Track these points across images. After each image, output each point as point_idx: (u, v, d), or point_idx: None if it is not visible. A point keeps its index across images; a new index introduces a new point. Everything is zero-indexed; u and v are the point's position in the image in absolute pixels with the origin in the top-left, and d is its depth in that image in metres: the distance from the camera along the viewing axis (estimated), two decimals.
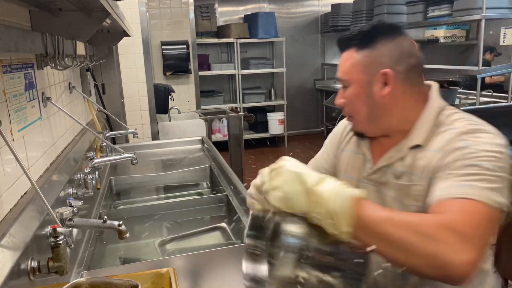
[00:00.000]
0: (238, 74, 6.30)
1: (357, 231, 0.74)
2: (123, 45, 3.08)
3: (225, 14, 6.78)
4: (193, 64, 4.66)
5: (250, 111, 5.98)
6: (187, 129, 3.53)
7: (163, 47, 4.61)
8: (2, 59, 1.11)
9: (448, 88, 4.70)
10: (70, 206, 1.22)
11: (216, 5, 6.62)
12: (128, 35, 2.68)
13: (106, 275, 1.17)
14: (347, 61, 1.06)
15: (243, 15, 6.74)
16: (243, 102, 6.43)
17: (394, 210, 0.86)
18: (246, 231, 0.81)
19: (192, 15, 4.68)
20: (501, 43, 4.63)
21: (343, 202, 0.74)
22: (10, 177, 1.11)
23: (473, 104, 4.31)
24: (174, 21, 4.69)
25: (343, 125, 1.27)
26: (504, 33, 4.50)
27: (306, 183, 0.76)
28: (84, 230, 1.59)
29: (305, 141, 6.89)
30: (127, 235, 1.17)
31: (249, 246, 0.78)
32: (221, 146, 4.04)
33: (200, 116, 3.95)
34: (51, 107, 1.62)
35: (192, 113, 4.37)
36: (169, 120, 3.94)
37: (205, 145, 2.90)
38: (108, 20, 1.73)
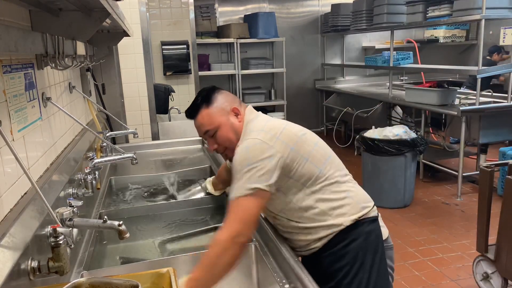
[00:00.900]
0: (238, 74, 6.30)
1: None
2: (123, 45, 3.08)
3: (225, 14, 6.78)
4: (193, 64, 4.66)
5: None
6: (187, 129, 3.53)
7: (163, 47, 4.61)
8: (2, 59, 1.11)
9: (448, 88, 4.71)
10: (70, 206, 1.22)
11: (216, 5, 6.62)
12: (128, 35, 2.68)
13: (106, 275, 1.17)
14: (205, 117, 1.46)
15: (243, 15, 6.74)
16: (243, 102, 6.40)
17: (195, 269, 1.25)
18: None
19: (192, 15, 4.68)
20: (501, 43, 4.62)
21: None
22: (10, 177, 1.11)
23: (473, 104, 4.31)
24: (174, 21, 4.69)
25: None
26: (504, 33, 4.50)
27: None
28: (84, 230, 1.59)
29: None
30: (127, 235, 1.17)
31: None
32: None
33: None
34: (51, 107, 1.62)
35: None
36: (169, 120, 3.94)
37: (205, 145, 2.90)
38: (108, 20, 1.73)
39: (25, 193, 1.20)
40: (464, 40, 7.18)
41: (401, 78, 7.13)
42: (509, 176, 2.42)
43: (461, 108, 4.16)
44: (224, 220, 1.28)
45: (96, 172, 1.82)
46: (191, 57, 4.62)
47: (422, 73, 6.19)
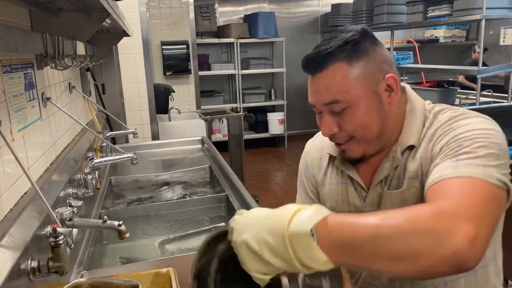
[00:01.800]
0: (238, 74, 6.30)
1: (337, 256, 0.63)
2: (123, 45, 3.07)
3: (225, 14, 6.78)
4: (193, 64, 4.66)
5: (250, 111, 5.98)
6: (187, 129, 3.53)
7: (163, 47, 4.61)
8: (2, 59, 1.11)
9: (448, 88, 4.70)
10: (70, 206, 1.22)
11: (216, 5, 6.62)
12: (128, 35, 2.68)
13: (106, 275, 1.17)
14: (339, 78, 0.88)
15: (243, 15, 6.74)
16: (243, 102, 6.43)
17: (373, 213, 0.67)
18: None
19: (192, 15, 4.68)
20: (501, 43, 4.62)
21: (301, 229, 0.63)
22: (10, 177, 1.11)
23: (473, 104, 4.31)
24: (174, 21, 4.69)
25: (308, 160, 1.13)
26: (504, 33, 4.50)
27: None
28: (84, 230, 1.59)
29: (305, 141, 6.83)
30: (127, 235, 1.17)
31: None
32: (221, 146, 4.04)
33: (200, 116, 3.95)
34: (51, 107, 1.62)
35: (192, 113, 4.37)
36: (169, 120, 3.94)
37: (205, 145, 2.90)
38: (108, 20, 1.73)
39: (25, 193, 1.20)
40: (464, 40, 7.18)
41: (401, 78, 7.09)
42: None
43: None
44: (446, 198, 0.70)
45: (96, 172, 1.81)
46: (191, 57, 4.63)
47: (422, 73, 6.19)
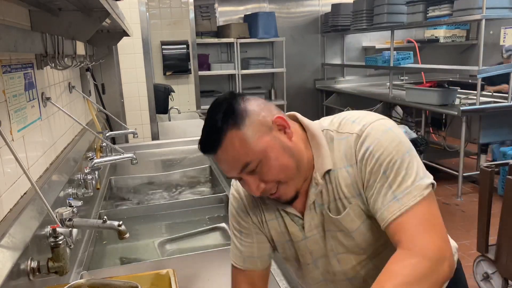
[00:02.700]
0: (238, 74, 6.30)
1: None
2: (123, 45, 3.07)
3: (225, 14, 6.78)
4: (193, 64, 4.66)
5: None
6: (187, 129, 3.53)
7: (163, 47, 4.61)
8: (2, 59, 1.11)
9: (448, 88, 4.70)
10: (70, 206, 1.22)
11: (216, 5, 6.61)
12: (128, 35, 2.68)
13: (106, 275, 1.17)
14: (238, 143, 0.91)
15: (243, 15, 6.73)
16: None
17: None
18: None
19: (192, 15, 4.68)
20: (501, 43, 4.62)
21: None
22: (10, 177, 1.11)
23: (473, 104, 4.30)
24: (174, 21, 4.69)
25: (243, 197, 1.12)
26: (505, 33, 4.50)
27: None
28: (84, 230, 1.59)
29: None
30: (127, 235, 1.17)
31: None
32: None
33: (200, 116, 3.94)
34: (51, 107, 1.62)
35: (192, 113, 4.37)
36: (169, 120, 3.94)
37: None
38: (108, 20, 1.73)
39: (25, 193, 1.20)
40: (464, 40, 7.17)
41: (402, 78, 7.13)
42: (509, 176, 2.42)
43: (461, 108, 4.15)
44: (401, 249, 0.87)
45: (96, 172, 1.81)
46: (191, 57, 4.62)
47: (422, 73, 6.19)
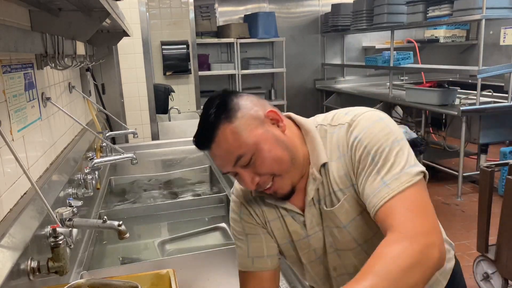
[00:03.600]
0: (238, 74, 6.30)
1: None
2: (123, 45, 3.07)
3: (225, 14, 6.78)
4: (193, 64, 4.66)
5: None
6: (187, 129, 3.53)
7: (163, 47, 4.61)
8: (2, 59, 1.11)
9: (448, 88, 4.70)
10: (70, 206, 1.22)
11: (216, 5, 6.61)
12: (128, 35, 2.68)
13: (106, 275, 1.17)
14: (231, 136, 0.93)
15: (243, 15, 6.73)
16: None
17: (364, 276, 0.78)
18: None
19: (192, 15, 4.68)
20: (501, 43, 4.62)
21: None
22: (10, 177, 1.11)
23: (473, 104, 4.30)
24: (174, 21, 4.69)
25: (243, 202, 1.11)
26: (504, 33, 4.49)
27: None
28: (84, 230, 1.59)
29: None
30: (127, 235, 1.17)
31: None
32: None
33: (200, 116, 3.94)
34: (51, 107, 1.62)
35: (192, 113, 4.36)
36: (169, 120, 3.94)
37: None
38: (108, 20, 1.73)
39: (25, 193, 1.20)
40: (464, 40, 7.16)
41: (401, 78, 7.13)
42: (509, 176, 2.42)
43: (461, 108, 4.15)
44: (391, 229, 0.84)
45: (96, 172, 1.81)
46: (191, 57, 4.62)
47: (422, 73, 6.19)
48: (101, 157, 2.20)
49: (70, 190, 1.56)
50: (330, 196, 0.99)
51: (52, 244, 1.02)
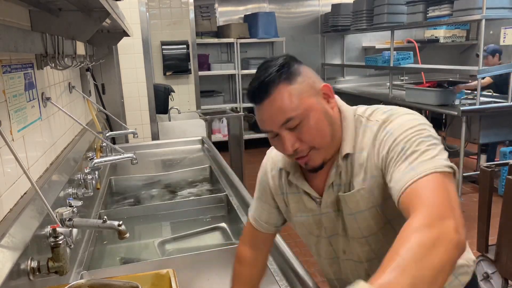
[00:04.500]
0: (238, 74, 6.30)
1: None
2: (123, 45, 3.07)
3: (225, 14, 6.78)
4: (193, 64, 4.66)
5: (250, 111, 5.95)
6: (187, 129, 3.53)
7: (163, 47, 4.61)
8: (2, 59, 1.11)
9: (448, 88, 4.70)
10: (70, 206, 1.22)
11: (216, 5, 6.61)
12: (128, 35, 2.68)
13: (106, 275, 1.17)
14: (287, 96, 0.96)
15: (243, 15, 6.73)
16: (243, 102, 6.43)
17: (390, 262, 0.74)
18: None
19: (192, 15, 4.68)
20: (501, 43, 4.62)
21: None
22: (10, 177, 1.11)
23: (473, 104, 4.30)
24: (174, 21, 4.69)
25: (269, 170, 1.20)
26: (504, 33, 4.49)
27: None
28: (84, 230, 1.59)
29: None
30: (127, 235, 1.17)
31: None
32: (221, 146, 4.04)
33: (200, 116, 3.95)
34: (51, 107, 1.62)
35: (192, 113, 4.37)
36: (169, 120, 3.94)
37: (205, 145, 2.90)
38: (108, 20, 1.73)
39: (25, 193, 1.20)
40: (464, 40, 7.17)
41: (401, 78, 7.13)
42: (509, 176, 2.42)
43: (461, 108, 4.15)
44: (416, 208, 0.81)
45: (96, 172, 1.81)
46: (191, 57, 4.63)
47: (422, 73, 6.19)
48: (101, 157, 2.20)
49: (70, 190, 1.56)
50: (349, 185, 1.03)
51: (52, 244, 1.02)
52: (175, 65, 4.60)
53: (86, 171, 1.73)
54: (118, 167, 2.53)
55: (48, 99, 1.55)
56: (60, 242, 1.02)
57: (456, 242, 0.76)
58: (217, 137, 6.08)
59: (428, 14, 4.73)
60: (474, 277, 1.15)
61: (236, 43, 6.16)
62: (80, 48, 2.14)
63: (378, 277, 0.70)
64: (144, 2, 3.26)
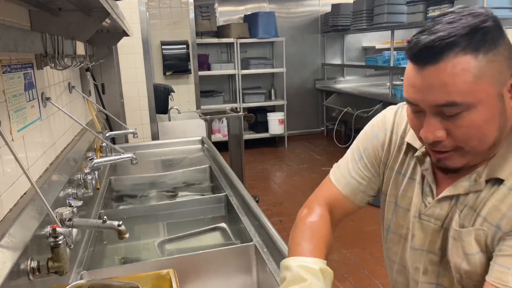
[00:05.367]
0: (238, 74, 6.30)
1: None
2: (123, 45, 3.07)
3: (225, 14, 6.78)
4: (193, 64, 4.66)
5: (250, 111, 5.97)
6: (187, 129, 3.53)
7: (163, 47, 4.61)
8: (2, 59, 1.11)
9: None
10: (69, 206, 1.22)
11: (216, 5, 6.62)
12: (128, 35, 2.68)
13: (106, 275, 1.17)
14: (460, 75, 0.69)
15: (243, 15, 6.74)
16: (243, 102, 6.43)
17: None
18: None
19: (192, 15, 4.68)
20: None
21: None
22: (9, 177, 1.11)
23: None
24: (174, 21, 4.69)
25: (389, 128, 0.95)
26: None
27: None
28: (84, 230, 1.59)
29: (305, 141, 6.88)
30: (127, 235, 1.17)
31: None
32: (221, 146, 4.04)
33: (200, 116, 3.94)
34: (50, 107, 1.62)
35: (192, 113, 4.37)
36: (169, 120, 3.94)
37: (205, 145, 2.90)
38: (108, 20, 1.73)
39: (25, 193, 1.20)
40: None
41: (402, 78, 7.11)
42: None
43: None
44: None
45: (96, 172, 1.81)
46: (191, 57, 4.62)
47: None
48: (101, 157, 2.20)
49: (70, 190, 1.56)
50: (471, 216, 0.81)
51: (52, 244, 1.02)
52: (175, 65, 4.60)
53: (86, 171, 1.73)
54: (118, 167, 2.53)
55: (48, 99, 1.55)
56: (60, 242, 1.02)
57: None
58: (217, 137, 6.08)
59: (428, 14, 4.72)
60: None
61: (236, 43, 6.16)
62: (80, 48, 2.14)
63: None
64: (144, 2, 3.26)
